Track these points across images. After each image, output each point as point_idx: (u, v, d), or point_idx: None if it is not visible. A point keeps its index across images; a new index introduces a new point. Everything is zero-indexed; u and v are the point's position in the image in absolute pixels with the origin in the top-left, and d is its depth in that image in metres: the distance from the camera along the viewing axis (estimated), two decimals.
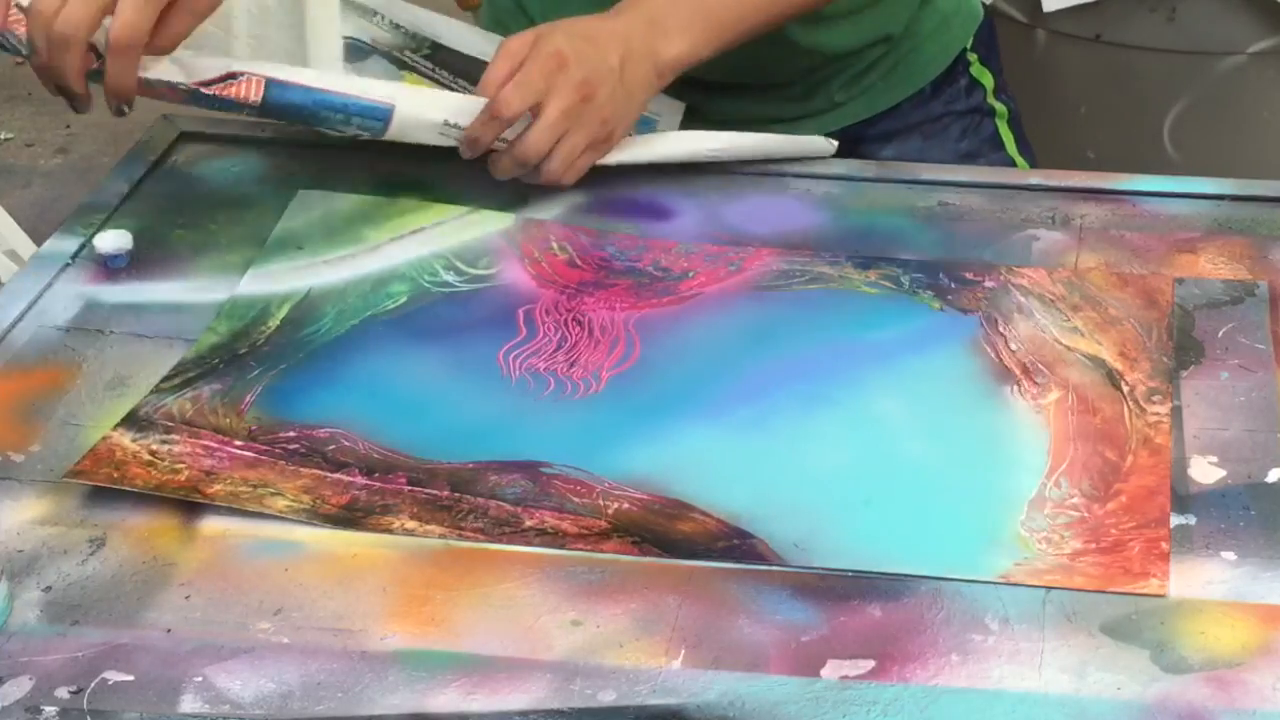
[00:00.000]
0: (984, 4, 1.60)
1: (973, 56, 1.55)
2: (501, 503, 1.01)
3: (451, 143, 1.29)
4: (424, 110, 1.28)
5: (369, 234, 1.28)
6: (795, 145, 1.39)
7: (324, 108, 1.26)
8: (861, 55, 1.49)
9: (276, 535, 0.99)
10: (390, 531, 0.99)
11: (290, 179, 1.35)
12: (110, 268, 1.25)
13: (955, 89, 1.54)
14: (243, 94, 1.24)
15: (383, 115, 1.27)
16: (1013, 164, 1.55)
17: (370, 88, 1.28)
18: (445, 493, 1.02)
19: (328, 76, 1.28)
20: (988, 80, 1.56)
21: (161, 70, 1.24)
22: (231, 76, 1.24)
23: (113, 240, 1.25)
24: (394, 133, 1.28)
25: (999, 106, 1.56)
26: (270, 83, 1.24)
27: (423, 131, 1.29)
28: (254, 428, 1.08)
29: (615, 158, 1.33)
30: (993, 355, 1.14)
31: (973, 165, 1.52)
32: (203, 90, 1.23)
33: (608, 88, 1.28)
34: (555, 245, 1.27)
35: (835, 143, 1.41)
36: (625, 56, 1.29)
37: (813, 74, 1.47)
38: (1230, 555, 0.96)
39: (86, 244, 1.27)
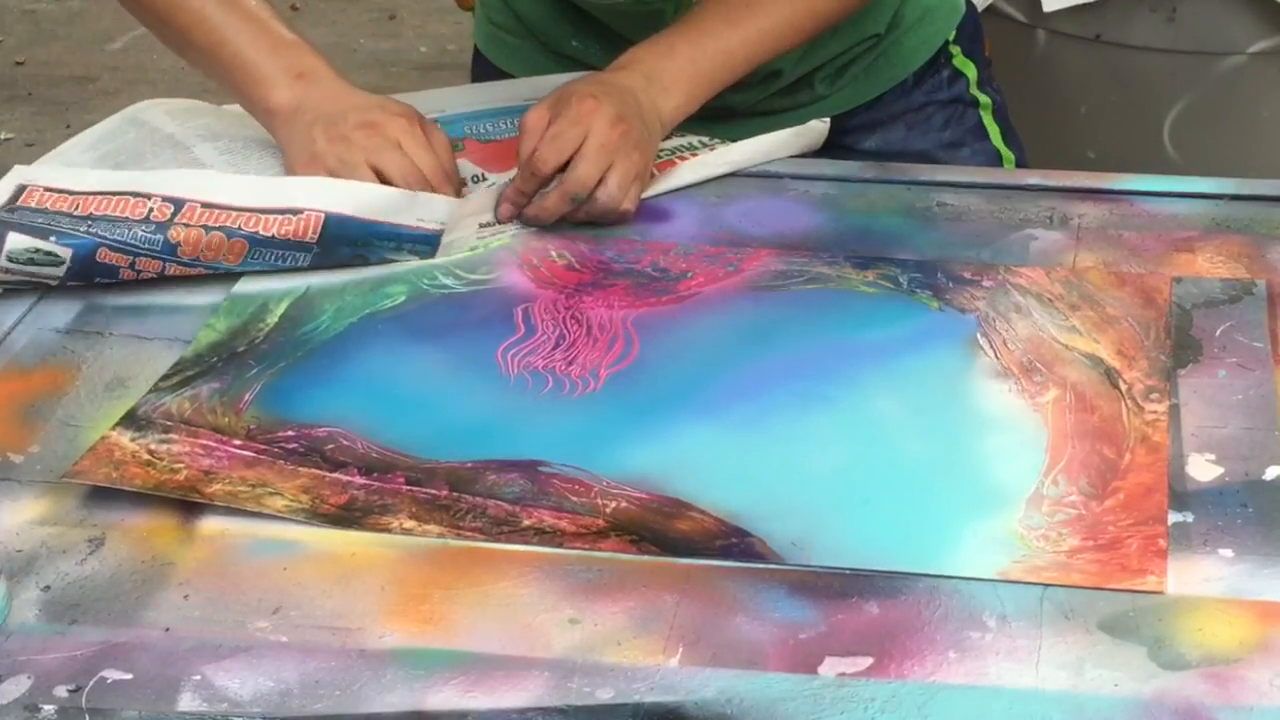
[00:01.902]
0: (972, 2, 1.61)
1: (955, 49, 1.56)
2: (500, 502, 1.01)
3: (488, 234, 1.31)
4: (463, 219, 1.30)
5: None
6: (796, 139, 1.40)
7: (377, 237, 1.25)
8: (846, 52, 1.50)
9: (275, 534, 0.99)
10: (389, 531, 0.99)
11: None
12: None
13: (937, 79, 1.55)
14: (299, 231, 1.23)
15: (433, 240, 1.27)
16: (998, 154, 1.56)
17: (425, 212, 1.28)
18: (444, 492, 1.02)
19: (383, 202, 1.27)
20: (971, 71, 1.56)
21: (228, 193, 1.23)
22: (292, 211, 1.23)
23: None
24: (441, 251, 1.28)
25: (983, 98, 1.57)
26: (329, 218, 1.24)
27: (464, 237, 1.30)
28: (252, 427, 1.08)
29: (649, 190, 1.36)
30: (991, 354, 1.14)
31: (958, 154, 1.53)
32: (260, 233, 1.22)
33: (636, 122, 1.31)
34: (554, 253, 1.28)
35: (827, 121, 1.42)
36: (636, 105, 1.33)
37: (796, 69, 1.48)
38: (1228, 552, 0.96)
39: None
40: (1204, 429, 1.06)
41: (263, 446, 1.06)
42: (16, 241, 1.20)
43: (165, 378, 1.13)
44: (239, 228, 1.22)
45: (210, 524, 1.00)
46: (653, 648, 0.91)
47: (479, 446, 1.06)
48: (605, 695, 0.88)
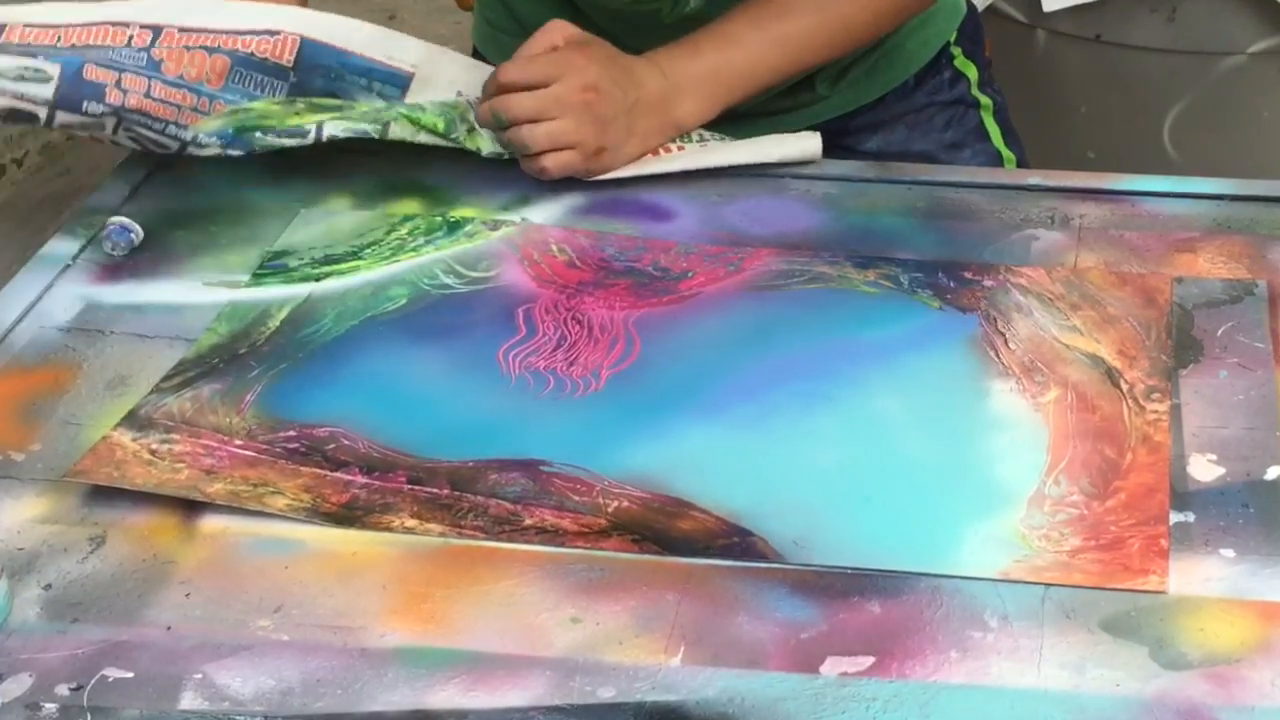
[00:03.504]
0: (972, 2, 1.61)
1: (956, 50, 1.56)
2: (501, 501, 1.01)
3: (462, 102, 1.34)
4: (439, 78, 1.34)
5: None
6: (784, 150, 1.40)
7: (350, 70, 1.30)
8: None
9: (276, 533, 0.99)
10: (390, 530, 0.99)
11: (290, 180, 1.35)
12: (112, 253, 1.26)
13: (939, 80, 1.55)
14: (276, 52, 1.28)
15: (402, 82, 1.32)
16: (999, 155, 1.56)
17: (396, 50, 1.33)
18: (445, 491, 1.02)
19: (358, 34, 1.33)
20: (972, 73, 1.57)
21: (203, 16, 1.29)
22: (269, 32, 1.28)
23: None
24: (409, 96, 1.32)
25: (984, 99, 1.57)
26: (304, 42, 1.29)
27: (438, 95, 1.33)
28: (254, 427, 1.08)
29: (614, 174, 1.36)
30: (992, 354, 1.14)
31: (959, 155, 1.53)
32: (240, 50, 1.28)
33: (613, 107, 1.32)
34: (555, 248, 1.28)
35: (819, 138, 1.42)
36: (638, 100, 1.34)
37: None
38: (1229, 552, 0.96)
39: (87, 244, 1.28)
40: (1205, 429, 1.06)
41: (264, 446, 1.06)
42: (4, 62, 1.25)
43: (166, 378, 1.12)
44: (219, 46, 1.28)
45: (211, 522, 1.00)
46: (654, 647, 0.91)
47: (480, 446, 1.06)
48: (607, 694, 0.88)
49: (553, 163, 1.32)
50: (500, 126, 1.32)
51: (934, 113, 1.55)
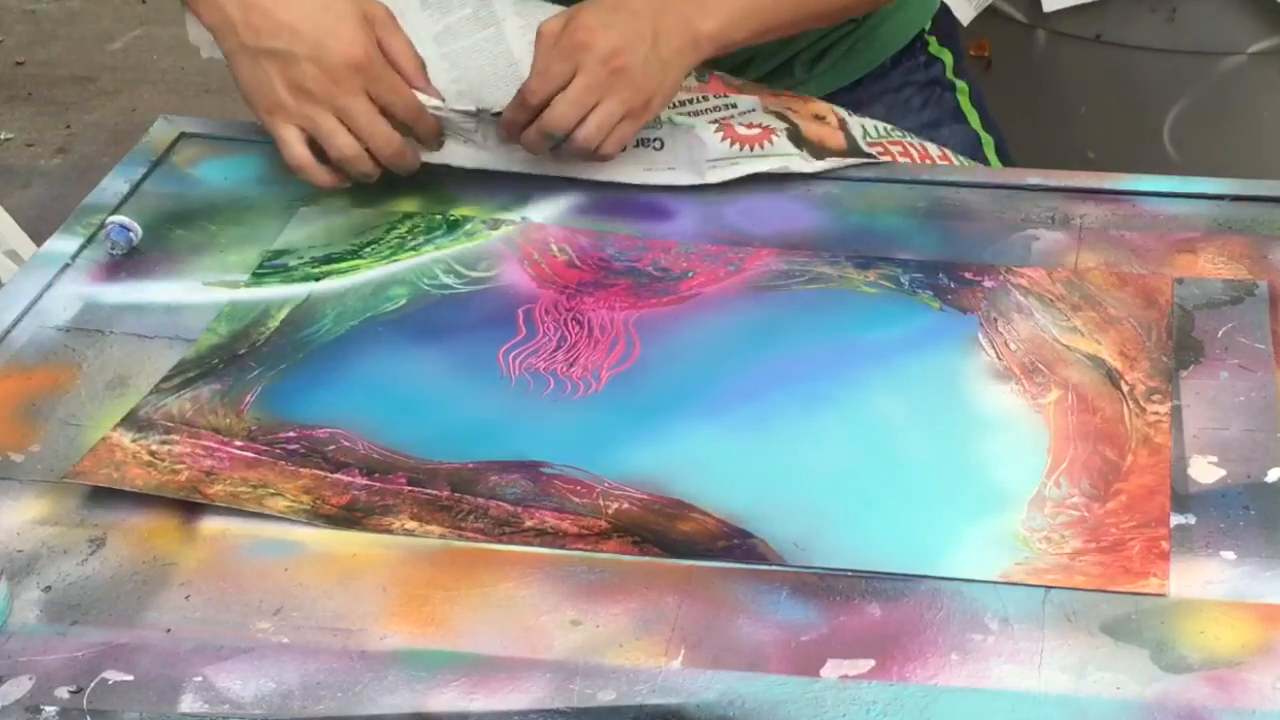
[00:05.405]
0: (946, 2, 1.62)
1: (931, 38, 1.58)
2: (501, 503, 1.01)
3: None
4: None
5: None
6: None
7: None
8: (823, 38, 1.51)
9: (276, 535, 0.99)
10: (390, 532, 0.99)
11: (290, 179, 1.35)
12: (112, 252, 1.26)
13: (914, 63, 1.57)
14: None
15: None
16: (977, 137, 1.57)
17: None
18: (445, 493, 1.02)
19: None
20: (947, 58, 1.58)
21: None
22: None
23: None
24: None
25: (960, 83, 1.58)
26: None
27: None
28: (254, 428, 1.08)
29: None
30: (992, 355, 1.14)
31: (937, 134, 1.53)
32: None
33: (639, 55, 1.28)
34: (555, 247, 1.27)
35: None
36: (659, 27, 1.29)
37: (775, 57, 1.49)
38: (1230, 555, 0.96)
39: (87, 244, 1.27)
40: (1206, 431, 1.06)
41: (264, 447, 1.06)
42: None
43: (166, 379, 1.12)
44: None
45: (211, 524, 1.00)
46: (654, 649, 0.91)
47: (480, 447, 1.06)
48: (607, 697, 0.88)
49: (614, 145, 1.29)
50: (555, 144, 1.29)
51: (911, 93, 1.56)
